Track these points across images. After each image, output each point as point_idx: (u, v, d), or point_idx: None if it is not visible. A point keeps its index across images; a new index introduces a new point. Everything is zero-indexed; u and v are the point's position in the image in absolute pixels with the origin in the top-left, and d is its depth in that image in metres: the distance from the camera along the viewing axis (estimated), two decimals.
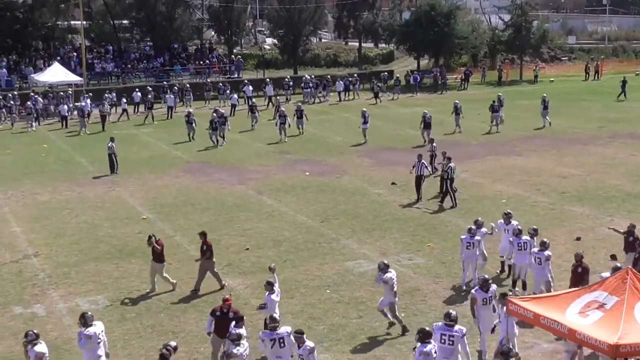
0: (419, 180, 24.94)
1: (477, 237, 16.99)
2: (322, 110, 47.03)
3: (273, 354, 12.17)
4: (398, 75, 56.33)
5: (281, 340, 12.09)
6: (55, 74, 48.40)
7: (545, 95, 40.61)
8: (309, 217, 23.32)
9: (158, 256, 17.42)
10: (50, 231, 22.50)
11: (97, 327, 12.68)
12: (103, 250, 20.62)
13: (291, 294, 17.24)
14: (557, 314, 11.41)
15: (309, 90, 50.52)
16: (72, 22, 62.48)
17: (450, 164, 24.34)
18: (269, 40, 75.96)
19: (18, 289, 18.04)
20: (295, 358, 12.14)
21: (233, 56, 63.37)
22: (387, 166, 30.04)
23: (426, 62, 67.35)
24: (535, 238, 16.91)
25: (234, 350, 11.99)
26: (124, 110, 44.18)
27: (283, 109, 37.54)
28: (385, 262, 15.52)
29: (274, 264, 16.04)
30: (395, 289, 15.10)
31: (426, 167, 25.13)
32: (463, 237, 17.18)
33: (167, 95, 45.86)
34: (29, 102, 42.80)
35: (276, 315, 12.57)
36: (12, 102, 43.53)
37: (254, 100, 45.61)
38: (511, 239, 17.05)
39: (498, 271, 18.17)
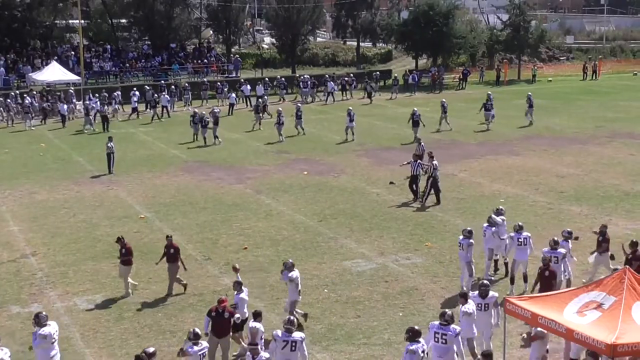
0: (414, 179, 24.94)
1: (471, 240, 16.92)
2: (320, 109, 47.03)
3: (282, 356, 12.20)
4: (396, 74, 56.33)
5: (293, 344, 12.14)
6: (53, 73, 48.42)
7: (530, 93, 41.03)
8: (307, 217, 23.32)
9: (125, 258, 17.21)
10: (48, 230, 22.47)
11: (52, 327, 12.69)
12: (101, 249, 20.60)
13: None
14: (555, 313, 11.43)
15: (307, 89, 50.50)
16: (70, 21, 62.55)
17: (433, 162, 24.48)
18: (267, 40, 75.98)
19: (15, 288, 18.02)
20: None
21: (231, 55, 63.36)
22: (385, 165, 30.03)
23: (424, 62, 67.36)
24: (522, 233, 16.99)
25: (189, 350, 12.07)
26: (134, 109, 44.24)
27: (280, 109, 37.57)
28: (291, 261, 15.64)
29: (237, 264, 16.02)
30: (299, 287, 15.29)
31: (422, 166, 25.07)
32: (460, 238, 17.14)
33: (162, 95, 45.79)
34: (27, 100, 42.84)
35: (293, 319, 12.55)
36: (9, 101, 43.57)
37: (265, 98, 45.50)
38: (512, 234, 17.17)
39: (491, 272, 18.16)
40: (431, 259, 19.43)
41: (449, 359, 12.23)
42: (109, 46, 59.62)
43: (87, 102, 42.11)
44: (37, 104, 44.14)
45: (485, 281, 14.22)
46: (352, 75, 54.89)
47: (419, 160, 25.10)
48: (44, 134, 39.75)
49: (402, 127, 38.70)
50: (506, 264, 17.80)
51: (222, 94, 48.49)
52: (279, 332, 12.29)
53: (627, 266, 12.57)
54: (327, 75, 53.50)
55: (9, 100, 43.82)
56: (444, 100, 39.78)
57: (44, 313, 13.00)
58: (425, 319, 15.23)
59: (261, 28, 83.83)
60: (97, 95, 44.52)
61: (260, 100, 43.02)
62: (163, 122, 42.76)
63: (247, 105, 47.28)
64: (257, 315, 13.24)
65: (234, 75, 57.69)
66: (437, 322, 12.37)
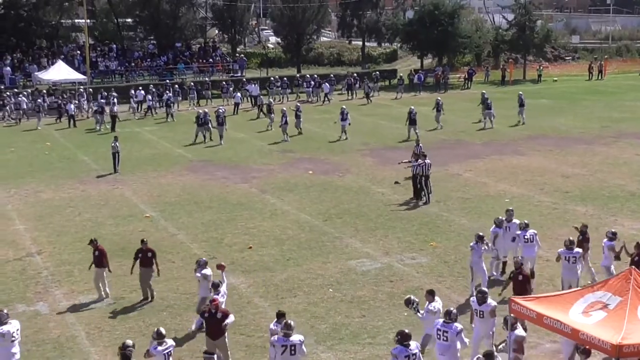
0: (417, 179, 24.94)
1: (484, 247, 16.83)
2: (323, 109, 47.00)
3: None
4: (402, 74, 56.25)
5: (292, 348, 11.99)
6: (59, 72, 48.51)
7: (521, 92, 41.20)
8: (312, 216, 23.32)
9: (98, 260, 17.12)
10: (54, 229, 22.52)
11: (13, 326, 12.74)
12: (106, 248, 20.47)
13: (294, 293, 17.26)
14: (560, 313, 11.39)
15: (310, 89, 50.45)
16: (76, 21, 62.64)
17: (425, 161, 24.50)
18: (273, 39, 75.99)
19: (21, 286, 18.07)
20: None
21: (237, 55, 63.38)
22: (390, 165, 29.99)
23: (430, 62, 67.29)
24: (528, 230, 17.17)
25: (153, 350, 12.08)
26: (149, 107, 44.35)
27: (284, 109, 37.60)
28: (205, 259, 15.73)
29: (223, 262, 16.00)
30: (210, 285, 15.04)
31: (423, 166, 24.98)
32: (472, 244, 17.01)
33: (166, 94, 45.79)
34: (39, 100, 42.99)
35: (292, 322, 12.36)
36: (19, 98, 43.78)
37: (275, 99, 45.48)
38: (518, 232, 17.24)
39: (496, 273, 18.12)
40: (436, 258, 19.41)
41: (451, 355, 12.24)
42: (114, 45, 59.69)
43: (102, 100, 42.13)
44: (46, 103, 44.27)
45: (483, 288, 14.08)
46: (355, 75, 54.80)
47: (418, 160, 25.06)
48: (50, 133, 39.83)
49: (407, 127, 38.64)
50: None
51: (228, 94, 48.51)
52: (277, 337, 12.16)
53: (633, 267, 12.54)
54: (332, 75, 53.48)
55: (19, 98, 43.97)
56: (439, 98, 40.31)
57: (5, 311, 13.04)
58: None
59: (266, 27, 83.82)
60: (107, 94, 44.53)
61: (271, 100, 43.02)
62: (169, 121, 42.76)
63: (252, 105, 47.26)
64: (280, 316, 12.96)
65: (239, 74, 57.70)
66: (441, 320, 12.43)
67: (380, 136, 36.66)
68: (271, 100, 43.04)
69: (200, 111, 37.26)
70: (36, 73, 50.58)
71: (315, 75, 52.34)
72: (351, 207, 24.23)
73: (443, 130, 37.75)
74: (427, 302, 13.36)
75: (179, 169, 30.43)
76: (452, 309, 12.60)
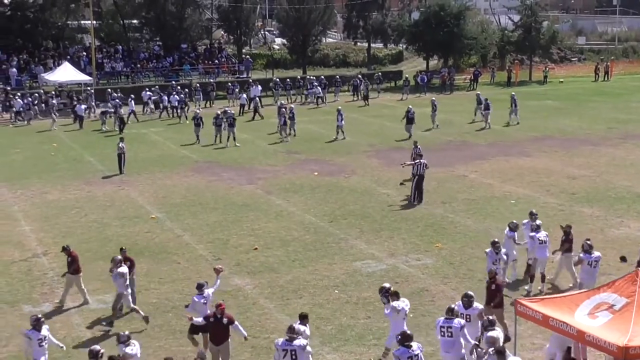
0: (414, 178, 24.95)
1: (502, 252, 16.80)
2: (328, 110, 46.93)
3: None
4: (407, 75, 56.20)
5: (293, 352, 11.95)
6: (65, 73, 48.57)
7: (513, 93, 41.22)
8: (318, 217, 23.32)
9: (73, 267, 16.98)
10: (60, 230, 22.57)
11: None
12: (112, 249, 20.60)
13: (299, 294, 17.26)
14: (566, 315, 11.38)
15: (312, 90, 50.36)
16: (82, 22, 62.70)
17: (421, 160, 24.47)
18: (278, 40, 76.02)
19: (27, 287, 18.11)
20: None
21: (242, 56, 63.43)
22: (395, 166, 29.92)
23: (435, 63, 67.25)
24: (540, 231, 17.12)
25: (127, 351, 12.06)
26: (165, 107, 44.44)
27: (283, 109, 37.56)
28: (119, 257, 15.95)
29: (220, 265, 16.03)
30: (127, 282, 15.70)
31: (426, 166, 24.94)
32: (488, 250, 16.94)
33: (172, 96, 45.76)
34: (52, 101, 43.07)
35: (296, 326, 12.32)
36: (29, 99, 43.92)
37: (285, 100, 45.43)
38: (531, 234, 17.19)
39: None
40: (441, 260, 19.39)
41: (456, 351, 12.23)
42: (120, 47, 59.80)
43: (115, 101, 42.15)
44: (55, 104, 44.39)
45: (469, 292, 13.88)
46: (360, 76, 54.72)
47: (421, 160, 25.01)
48: (56, 134, 39.91)
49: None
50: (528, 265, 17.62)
51: (233, 95, 48.51)
52: (280, 341, 12.13)
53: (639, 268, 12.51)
54: (337, 77, 53.42)
55: (29, 99, 44.07)
56: (434, 98, 40.97)
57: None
58: (435, 320, 15.15)
59: (272, 29, 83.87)
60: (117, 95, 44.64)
61: (279, 102, 43.03)
62: (181, 122, 42.71)
63: (248, 107, 47.03)
64: (303, 318, 13.00)
65: (244, 75, 57.73)
66: (442, 318, 12.49)
67: (386, 137, 36.63)
68: (282, 101, 42.96)
69: (219, 112, 37.22)
70: (42, 74, 50.68)
71: (322, 77, 52.30)
72: (356, 209, 24.22)
73: (449, 131, 37.71)
74: (392, 300, 13.43)
75: (184, 170, 30.46)
76: (453, 305, 12.75)
